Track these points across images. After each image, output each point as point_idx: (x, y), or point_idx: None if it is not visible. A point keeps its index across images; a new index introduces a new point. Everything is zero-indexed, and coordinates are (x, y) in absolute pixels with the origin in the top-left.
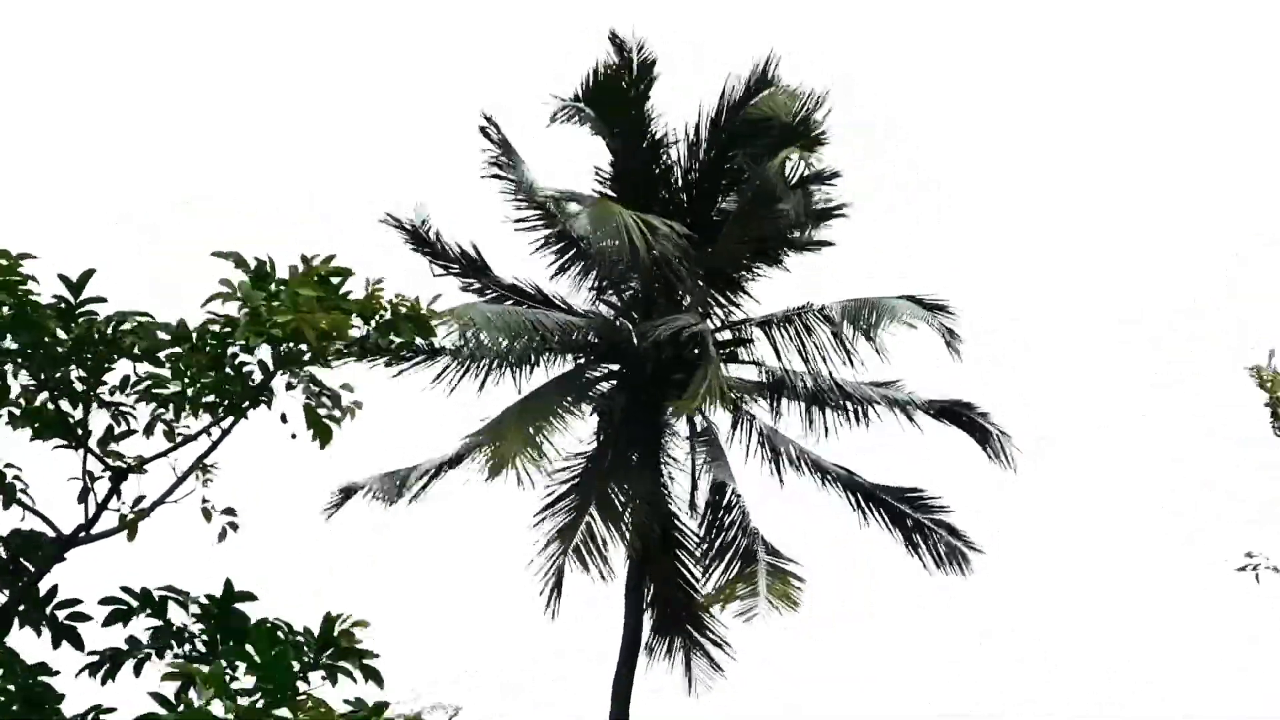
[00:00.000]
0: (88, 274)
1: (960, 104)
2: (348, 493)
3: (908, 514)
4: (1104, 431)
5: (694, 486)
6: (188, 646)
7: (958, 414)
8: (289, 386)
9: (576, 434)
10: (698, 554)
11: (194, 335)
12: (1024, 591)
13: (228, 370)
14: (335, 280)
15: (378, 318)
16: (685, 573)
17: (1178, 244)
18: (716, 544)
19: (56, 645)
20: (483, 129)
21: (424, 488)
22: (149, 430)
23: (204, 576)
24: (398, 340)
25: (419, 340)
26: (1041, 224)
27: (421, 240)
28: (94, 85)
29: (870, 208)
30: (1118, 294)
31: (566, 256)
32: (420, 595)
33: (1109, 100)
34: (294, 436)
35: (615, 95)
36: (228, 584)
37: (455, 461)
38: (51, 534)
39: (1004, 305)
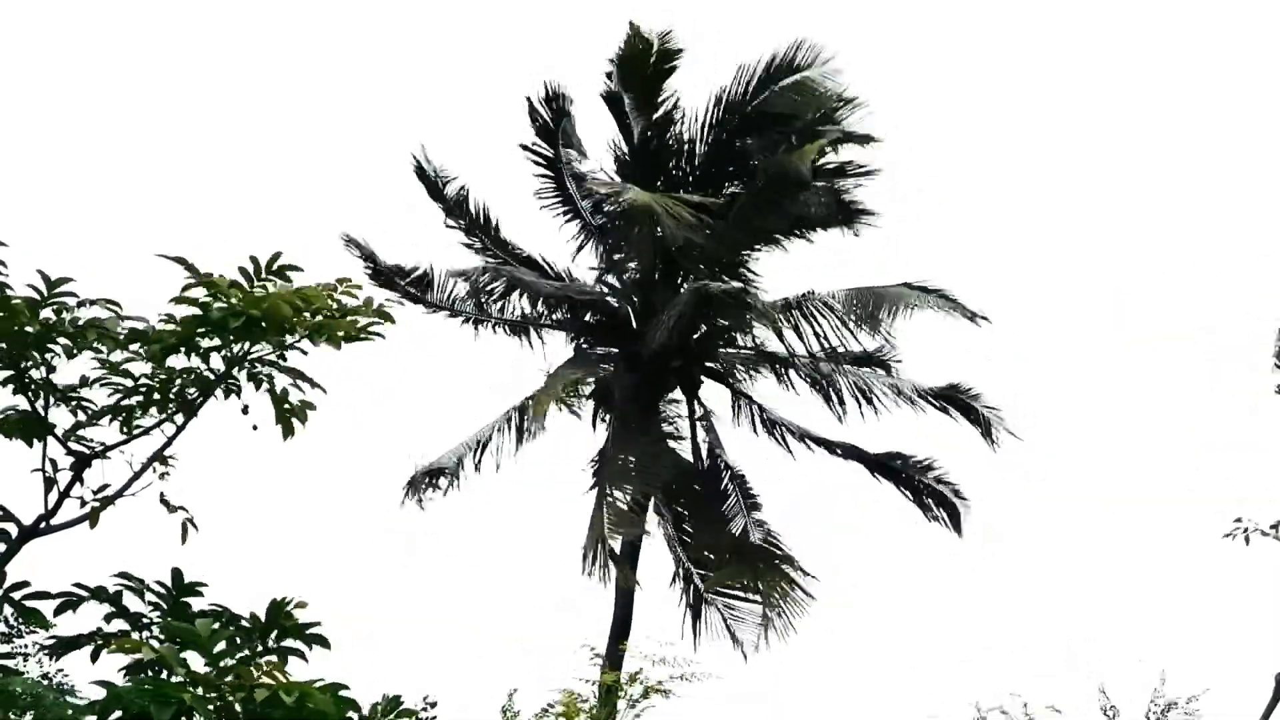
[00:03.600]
0: (63, 279)
1: (959, 104)
2: (432, 474)
3: (915, 478)
4: (1104, 431)
5: (695, 456)
6: (145, 634)
7: (953, 398)
8: (251, 378)
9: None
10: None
11: (152, 332)
12: (1022, 592)
13: (184, 366)
14: (288, 274)
15: (325, 313)
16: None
17: (1178, 244)
18: (717, 520)
19: (24, 624)
20: (533, 104)
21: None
22: (106, 416)
23: (215, 570)
24: (340, 335)
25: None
26: (1046, 225)
27: (438, 193)
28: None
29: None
30: (1117, 294)
31: (581, 236)
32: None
33: (1109, 100)
34: (255, 429)
35: (637, 79)
36: (176, 574)
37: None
38: (13, 527)
39: (1004, 306)
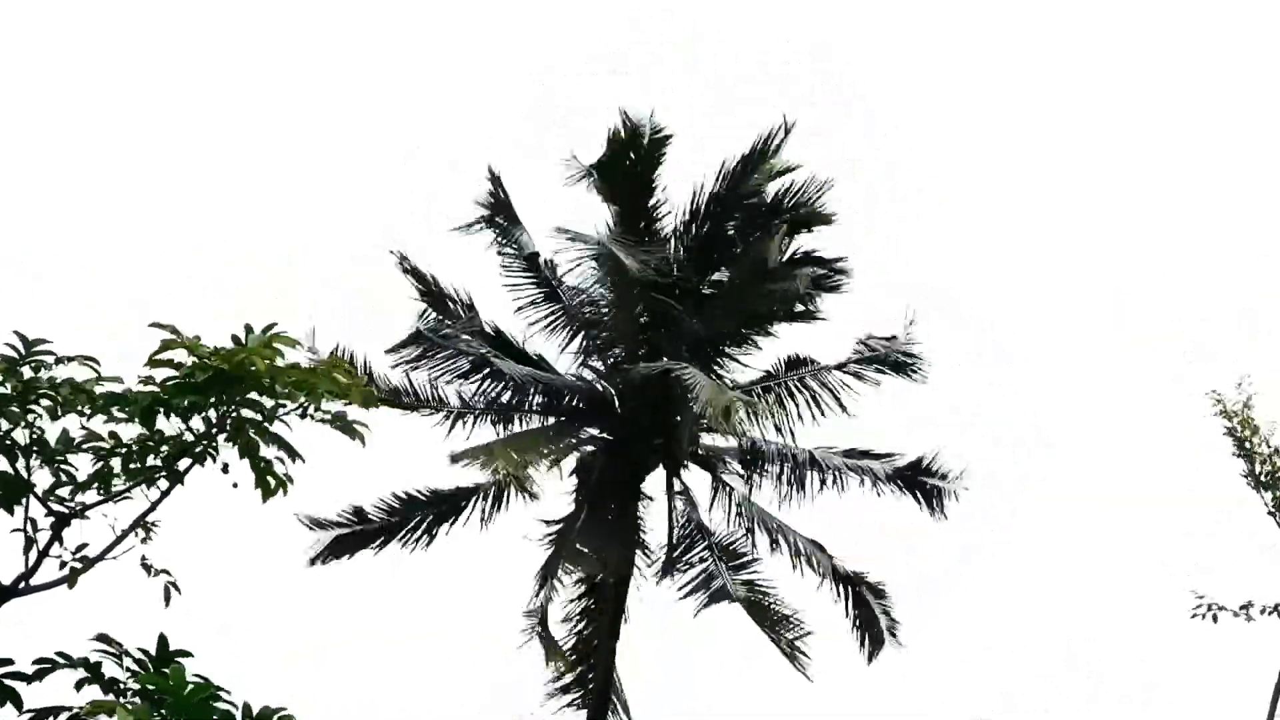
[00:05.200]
0: (40, 340)
1: (959, 104)
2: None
3: (868, 598)
4: (1104, 431)
5: (670, 546)
6: (123, 699)
7: (914, 479)
8: (231, 440)
9: (554, 489)
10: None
11: (131, 397)
12: (1022, 592)
13: (165, 432)
14: (279, 346)
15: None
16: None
17: (1177, 244)
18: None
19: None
20: (490, 183)
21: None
22: (87, 486)
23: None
24: (330, 411)
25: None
26: (1045, 225)
27: (419, 277)
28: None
29: (870, 207)
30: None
31: (555, 318)
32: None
33: (1109, 100)
34: (235, 486)
35: (622, 168)
36: (161, 640)
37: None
38: None
39: (1003, 305)
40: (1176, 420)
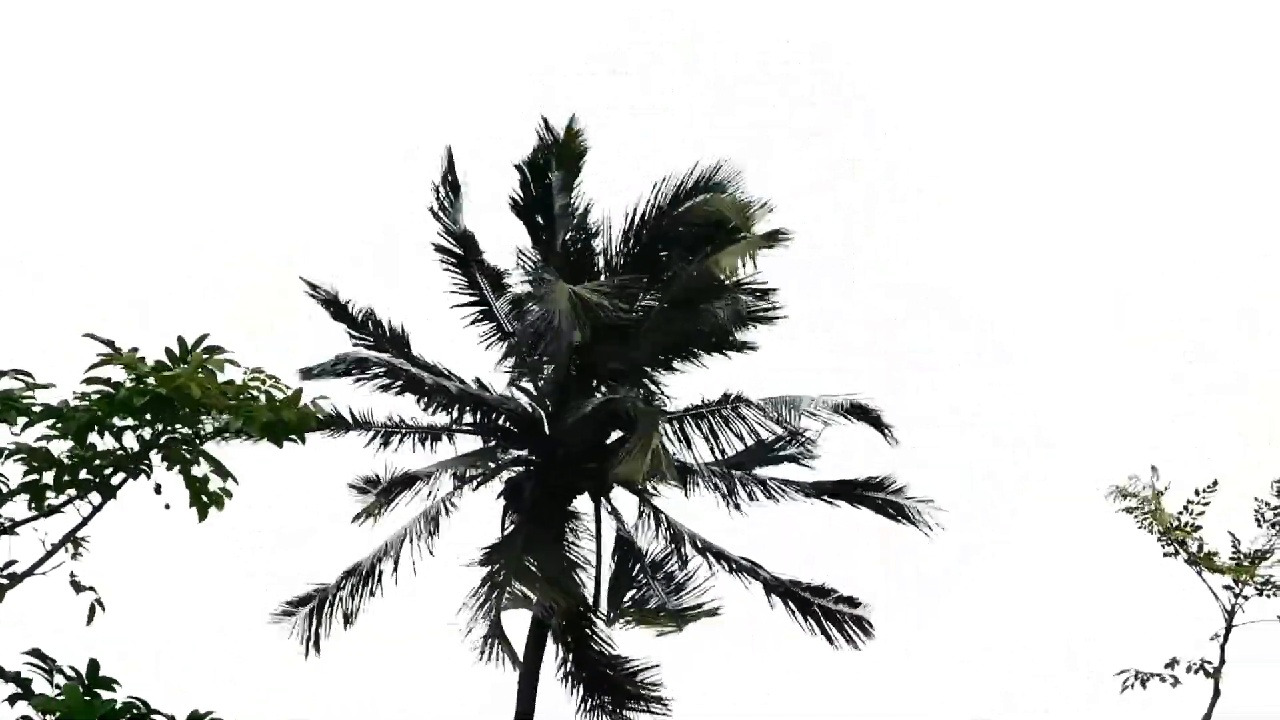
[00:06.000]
0: None
1: (959, 104)
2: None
3: (811, 602)
4: (1104, 431)
5: (598, 565)
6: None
7: (870, 497)
8: (166, 460)
9: (478, 513)
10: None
11: (68, 414)
12: (1022, 592)
13: (98, 447)
14: (215, 358)
15: (247, 397)
16: (600, 643)
17: (1177, 244)
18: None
19: None
20: (435, 202)
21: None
22: (14, 495)
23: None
24: (265, 434)
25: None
26: (1045, 225)
27: (341, 310)
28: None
29: (870, 207)
30: (1117, 294)
31: (491, 338)
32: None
33: (1109, 100)
34: (168, 507)
35: (544, 182)
36: (92, 665)
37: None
38: None
39: (1003, 305)
40: (1176, 421)
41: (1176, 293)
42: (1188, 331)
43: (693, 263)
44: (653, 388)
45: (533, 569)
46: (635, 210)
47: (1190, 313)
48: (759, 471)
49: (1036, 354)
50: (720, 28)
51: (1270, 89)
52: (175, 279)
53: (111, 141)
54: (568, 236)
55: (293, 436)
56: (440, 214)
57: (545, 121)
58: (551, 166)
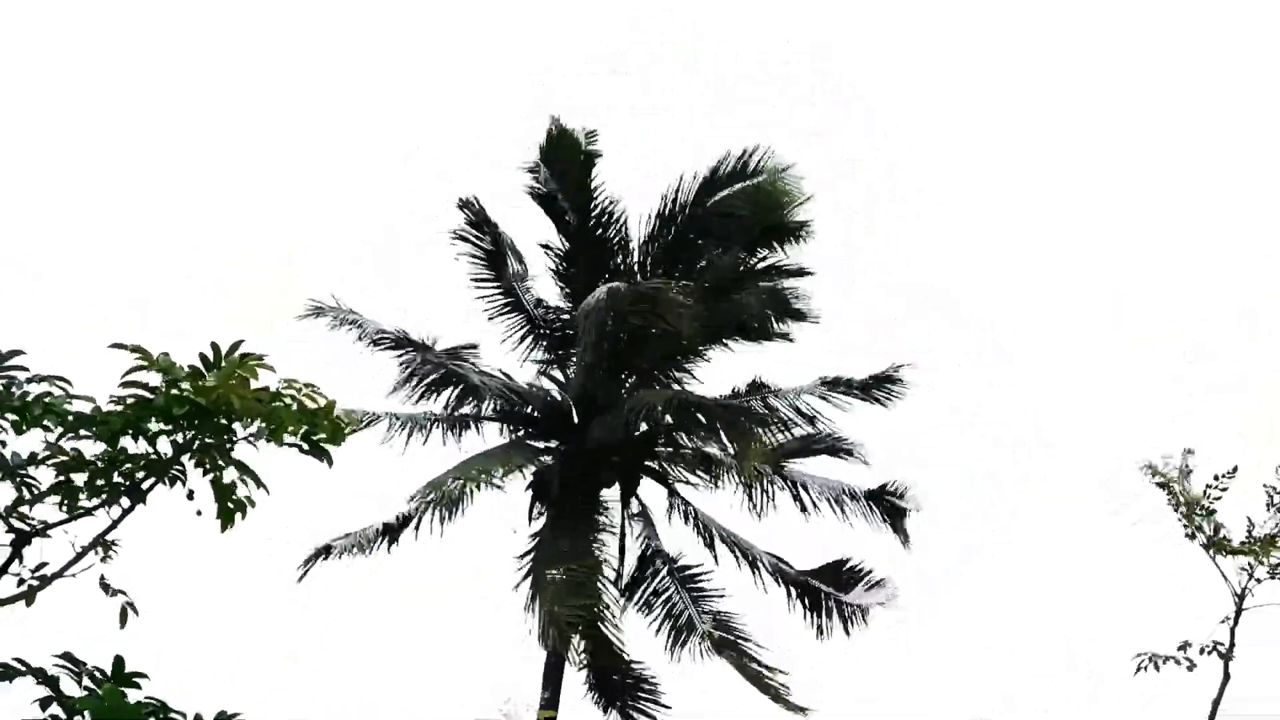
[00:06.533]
0: (14, 352)
1: (959, 103)
2: (323, 552)
3: (831, 596)
4: (1104, 431)
5: (621, 558)
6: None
7: (880, 502)
8: (199, 465)
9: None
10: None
11: (99, 414)
12: (1022, 592)
13: (132, 451)
14: (248, 365)
15: (279, 405)
16: (618, 643)
17: (1176, 244)
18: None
19: None
20: (462, 205)
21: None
22: (46, 495)
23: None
24: (302, 442)
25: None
26: (1045, 225)
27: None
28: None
29: (870, 207)
30: (1117, 294)
31: (519, 329)
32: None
33: (1109, 100)
34: (199, 514)
35: (571, 175)
36: (117, 661)
37: (405, 521)
38: None
39: (1003, 305)
40: (1176, 421)
41: (1176, 293)
42: (1188, 331)
43: (727, 252)
44: (675, 377)
45: (559, 580)
46: (665, 200)
47: (1190, 313)
48: (795, 465)
49: (1036, 354)
50: (720, 28)
51: (1270, 89)
52: (175, 279)
53: (111, 141)
54: (590, 225)
55: (329, 445)
56: (465, 206)
57: (556, 121)
58: (570, 159)
